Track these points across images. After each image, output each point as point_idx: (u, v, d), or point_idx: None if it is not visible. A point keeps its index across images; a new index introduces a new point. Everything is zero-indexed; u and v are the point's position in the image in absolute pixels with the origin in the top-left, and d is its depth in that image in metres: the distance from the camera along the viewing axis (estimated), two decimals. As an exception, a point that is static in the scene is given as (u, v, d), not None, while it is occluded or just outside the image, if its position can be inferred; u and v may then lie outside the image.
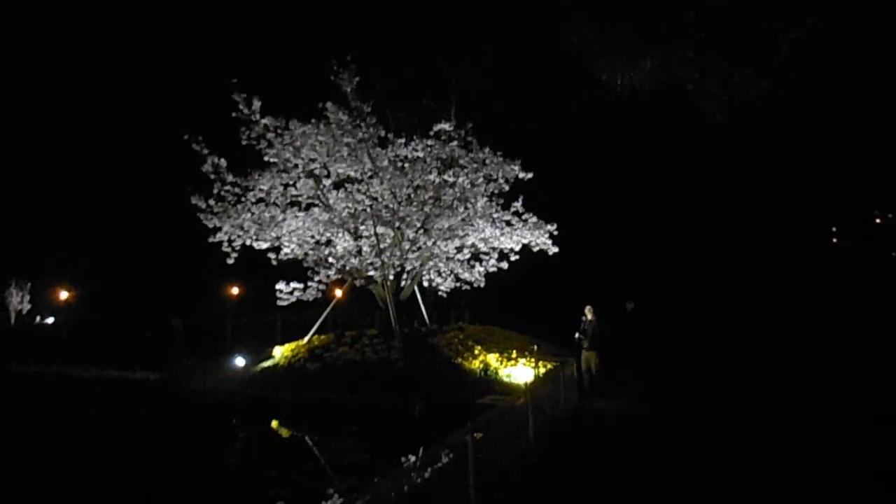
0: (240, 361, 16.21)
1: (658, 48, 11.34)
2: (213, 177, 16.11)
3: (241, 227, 15.19)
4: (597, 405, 12.27)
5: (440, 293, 18.11)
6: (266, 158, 15.74)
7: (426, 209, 15.16)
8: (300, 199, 16.09)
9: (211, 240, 15.66)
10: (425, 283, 17.84)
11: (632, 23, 10.84)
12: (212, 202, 15.97)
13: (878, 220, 34.83)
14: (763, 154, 17.55)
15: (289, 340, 18.28)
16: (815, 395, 11.82)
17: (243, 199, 16.06)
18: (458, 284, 17.79)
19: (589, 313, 12.47)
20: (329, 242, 16.31)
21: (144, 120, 45.03)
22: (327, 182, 15.98)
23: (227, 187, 16.09)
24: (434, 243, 15.29)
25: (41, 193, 45.96)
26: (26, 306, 38.96)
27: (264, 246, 16.02)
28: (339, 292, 28.13)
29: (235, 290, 52.72)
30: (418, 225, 15.27)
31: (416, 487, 5.32)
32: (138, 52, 45.95)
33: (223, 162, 16.14)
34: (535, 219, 16.54)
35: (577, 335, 12.55)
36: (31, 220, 45.57)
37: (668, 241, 20.70)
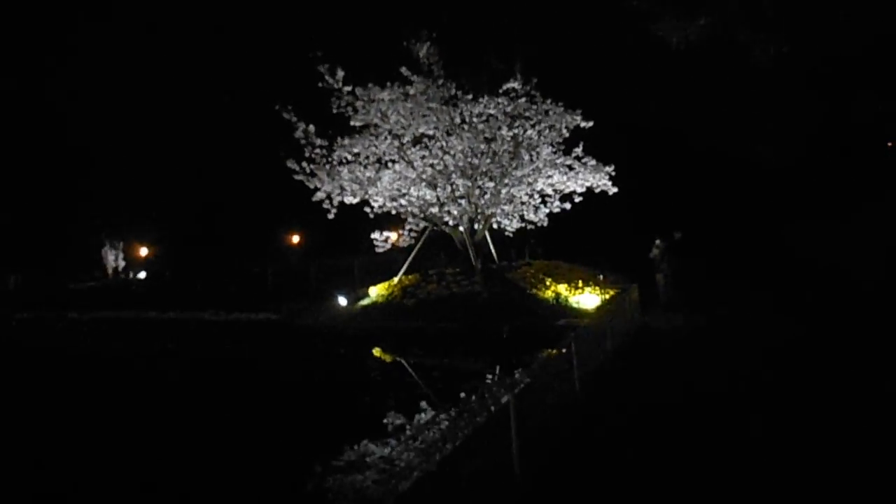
0: (342, 301, 18.91)
1: (709, 6, 12.71)
2: (303, 142, 18.40)
3: (341, 187, 17.46)
4: (655, 324, 14.44)
5: (506, 233, 20.22)
6: (353, 123, 17.81)
7: (500, 160, 17.09)
8: (384, 157, 18.21)
9: (313, 199, 18.06)
10: (494, 225, 19.96)
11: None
12: (304, 164, 18.33)
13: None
14: (814, 73, 17.72)
15: (369, 282, 20.87)
16: (854, 320, 12.09)
17: (331, 160, 18.31)
18: (523, 224, 19.82)
19: (656, 245, 14.61)
20: (410, 195, 18.43)
21: (216, 83, 47.07)
22: (406, 140, 17.98)
23: (318, 150, 18.35)
24: (508, 191, 17.31)
25: (118, 153, 49.00)
26: (121, 263, 42.94)
27: (356, 201, 18.37)
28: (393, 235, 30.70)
29: (296, 238, 56.24)
30: (493, 175, 17.26)
31: (539, 376, 7.54)
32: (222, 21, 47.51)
33: (312, 128, 18.36)
34: (594, 162, 18.22)
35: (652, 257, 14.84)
36: (108, 180, 48.71)
37: (715, 166, 21.68)
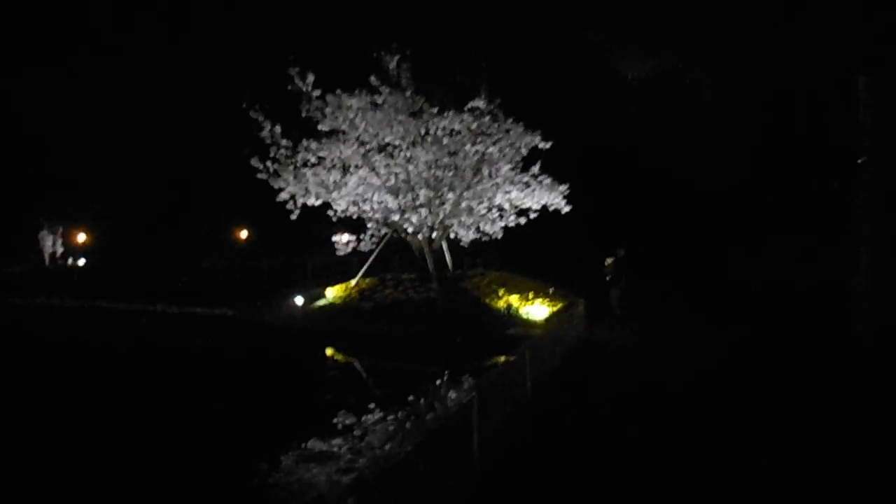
0: (298, 300, 19.19)
1: (662, 51, 13.89)
2: (268, 142, 18.68)
3: (306, 189, 17.81)
4: (601, 336, 15.51)
5: (461, 243, 20.99)
6: (321, 128, 18.19)
7: (462, 174, 17.86)
8: (348, 162, 18.65)
9: (277, 199, 18.33)
10: (451, 235, 20.68)
11: (641, 32, 13.30)
12: (268, 164, 18.59)
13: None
14: (758, 110, 19.01)
15: (322, 282, 21.22)
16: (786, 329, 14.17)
17: (295, 161, 18.62)
18: (478, 236, 20.64)
19: (609, 260, 15.85)
20: (372, 200, 18.93)
21: (179, 73, 45.84)
22: (372, 147, 18.47)
23: (283, 151, 18.65)
24: (467, 203, 18.09)
25: (64, 139, 47.12)
26: (59, 249, 41.34)
27: (318, 203, 18.73)
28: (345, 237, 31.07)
29: (244, 234, 55.46)
30: (454, 187, 18.00)
31: (495, 379, 8.24)
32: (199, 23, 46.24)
33: (278, 129, 18.66)
34: (549, 180, 19.23)
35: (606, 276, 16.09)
36: (53, 164, 46.72)
37: (663, 187, 23.14)
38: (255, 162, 18.74)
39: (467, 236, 20.50)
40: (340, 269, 24.47)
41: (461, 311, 17.27)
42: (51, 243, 40.61)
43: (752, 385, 9.52)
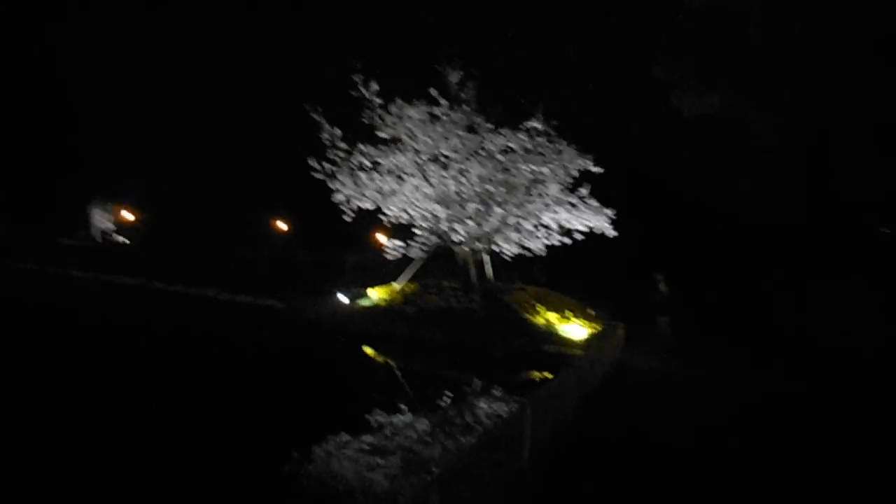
0: (343, 298, 19.91)
1: (723, 86, 14.24)
2: (327, 143, 19.48)
3: (362, 193, 18.55)
4: (639, 364, 15.65)
5: (503, 256, 21.42)
6: (380, 134, 18.89)
7: (515, 193, 18.39)
8: (403, 170, 19.29)
9: (332, 199, 19.12)
10: (494, 248, 21.15)
11: (705, 70, 13.70)
12: (325, 165, 19.40)
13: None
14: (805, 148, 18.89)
15: (360, 280, 21.91)
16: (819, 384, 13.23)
17: (350, 164, 19.35)
18: (520, 251, 21.05)
19: (662, 286, 16.19)
20: (423, 209, 19.53)
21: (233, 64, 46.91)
22: (427, 158, 19.09)
23: (341, 154, 19.41)
24: (515, 220, 18.61)
25: (116, 114, 48.69)
26: (110, 226, 42.94)
27: (372, 207, 19.45)
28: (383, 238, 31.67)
29: (284, 226, 56.65)
30: (505, 203, 18.52)
31: (545, 395, 8.61)
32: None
33: (339, 132, 19.44)
34: (596, 204, 19.55)
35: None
36: (100, 139, 48.19)
37: (708, 221, 23.04)
38: (312, 162, 19.55)
39: (510, 250, 20.94)
40: (378, 269, 25.17)
41: (500, 324, 17.75)
42: (102, 220, 42.17)
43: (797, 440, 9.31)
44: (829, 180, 21.59)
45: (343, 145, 19.39)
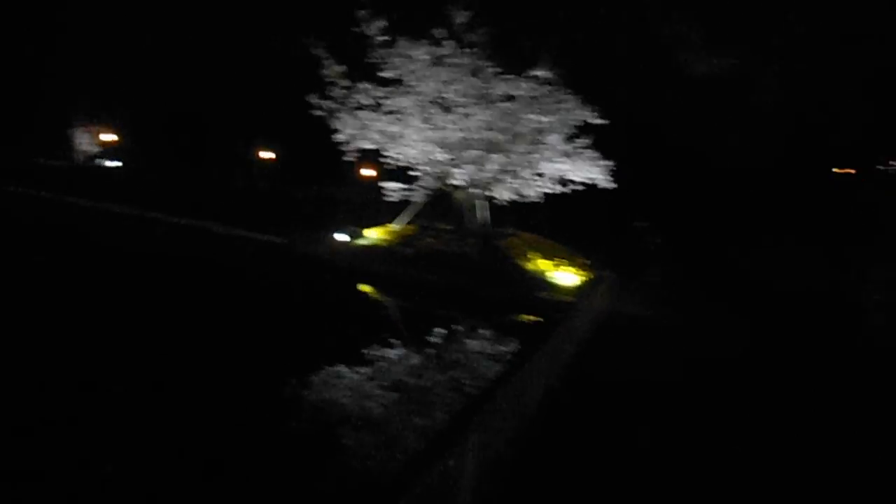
0: (342, 237, 20.27)
1: (728, 49, 14.46)
2: (328, 80, 19.32)
3: (365, 135, 18.60)
4: (629, 311, 16.46)
5: (497, 202, 21.76)
6: (383, 74, 18.73)
7: (519, 140, 18.58)
8: (405, 112, 19.25)
9: (334, 139, 19.15)
10: (490, 194, 21.45)
11: (712, 30, 13.86)
12: (328, 103, 19.30)
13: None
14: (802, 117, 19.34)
15: (356, 218, 22.28)
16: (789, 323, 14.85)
17: (351, 103, 19.27)
18: (516, 197, 21.41)
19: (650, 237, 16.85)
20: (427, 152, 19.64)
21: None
22: (430, 101, 19.04)
23: (342, 91, 19.28)
24: (515, 168, 18.91)
25: (96, 36, 46.67)
26: (93, 148, 42.02)
27: (372, 146, 19.54)
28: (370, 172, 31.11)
29: (270, 156, 55.81)
30: (508, 151, 18.74)
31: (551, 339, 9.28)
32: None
33: (341, 68, 19.25)
34: (595, 155, 19.84)
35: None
36: (82, 62, 46.36)
37: (700, 172, 23.73)
38: (313, 99, 19.42)
39: (507, 197, 21.27)
40: (370, 207, 25.53)
41: (495, 269, 18.35)
42: (84, 142, 41.22)
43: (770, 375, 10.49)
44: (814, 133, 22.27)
45: (345, 82, 19.24)
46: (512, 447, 6.09)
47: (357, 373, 9.49)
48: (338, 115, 19.12)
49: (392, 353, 10.93)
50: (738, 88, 16.53)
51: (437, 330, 13.02)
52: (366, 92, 19.06)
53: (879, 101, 14.96)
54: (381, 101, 19.06)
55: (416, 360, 10.90)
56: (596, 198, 22.12)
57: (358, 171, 43.72)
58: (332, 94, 19.36)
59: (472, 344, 12.91)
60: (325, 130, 19.88)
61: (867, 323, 13.02)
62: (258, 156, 54.23)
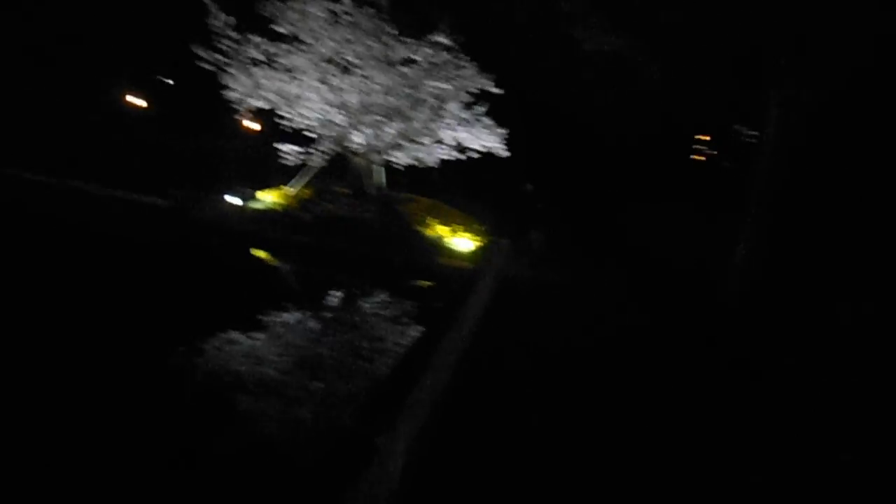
0: (233, 200, 19.35)
1: (624, 31, 15.35)
2: (216, 30, 18.05)
3: (261, 95, 17.69)
4: (522, 274, 17.56)
5: (394, 165, 21.81)
6: (277, 28, 17.78)
7: (413, 104, 18.56)
8: (299, 70, 18.49)
9: (227, 97, 18.05)
10: (389, 158, 21.41)
11: (611, 9, 14.63)
12: (215, 55, 18.08)
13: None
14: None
15: (244, 176, 21.39)
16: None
17: (242, 57, 18.21)
18: (413, 162, 21.55)
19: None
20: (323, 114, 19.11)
21: None
22: (328, 61, 18.42)
23: (232, 44, 18.12)
24: (413, 134, 18.99)
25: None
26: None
27: (266, 106, 18.65)
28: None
29: (141, 103, 51.09)
30: (406, 116, 18.69)
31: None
32: None
33: (231, 19, 18.03)
34: (491, 123, 20.38)
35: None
36: None
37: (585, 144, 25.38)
38: (200, 51, 18.09)
39: (402, 160, 21.36)
40: (260, 164, 24.47)
41: (397, 235, 18.57)
42: None
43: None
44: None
45: (234, 34, 18.05)
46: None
47: (253, 339, 9.38)
48: (229, 70, 17.97)
49: (290, 319, 10.95)
50: (621, 66, 17.68)
51: (333, 295, 13.17)
52: (257, 47, 18.04)
53: (744, 79, 16.64)
54: (275, 59, 18.15)
55: (314, 325, 11.00)
56: (486, 162, 22.81)
57: (241, 124, 41.13)
58: (220, 45, 18.11)
59: (368, 308, 13.23)
60: (205, 78, 18.69)
61: (725, 288, 14.89)
62: (127, 101, 49.50)
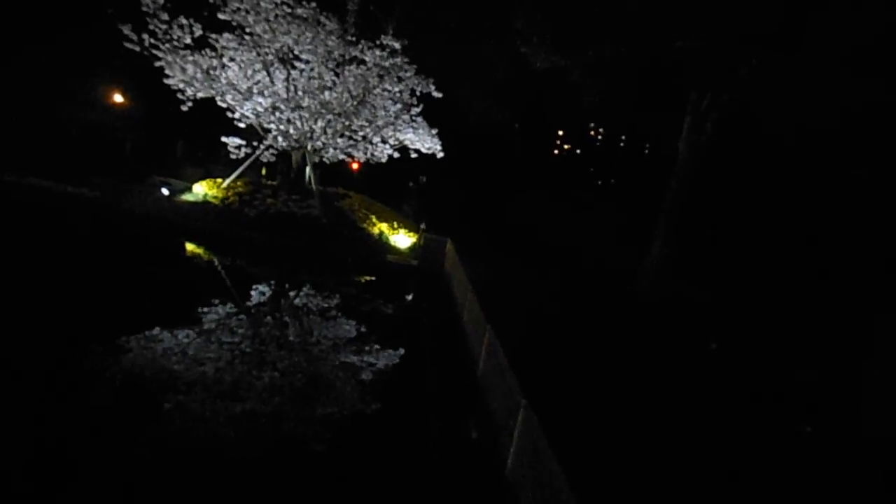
0: (164, 191, 18.34)
1: (566, 53, 16.92)
2: (148, 11, 17.07)
3: (195, 79, 16.97)
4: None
5: (325, 161, 21.82)
6: (222, 17, 17.16)
7: (368, 107, 18.85)
8: (250, 65, 17.99)
9: (168, 83, 17.09)
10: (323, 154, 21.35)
11: (551, 32, 16.08)
12: (145, 37, 17.08)
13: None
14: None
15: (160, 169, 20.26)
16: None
17: (174, 42, 17.37)
18: (344, 158, 21.73)
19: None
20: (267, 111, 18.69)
21: None
22: (272, 56, 18.09)
23: (162, 26, 17.20)
24: (354, 132, 19.34)
25: None
26: None
27: (205, 95, 17.90)
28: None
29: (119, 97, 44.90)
30: (348, 114, 18.89)
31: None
32: None
33: (160, 1, 17.12)
34: (425, 123, 21.13)
35: None
36: None
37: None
38: (128, 31, 17.00)
39: (336, 157, 21.46)
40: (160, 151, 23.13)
41: (343, 232, 18.77)
42: None
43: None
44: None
45: (163, 16, 17.11)
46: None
47: (190, 335, 9.08)
48: (166, 58, 17.08)
49: (223, 312, 10.67)
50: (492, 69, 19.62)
51: (274, 290, 13.19)
52: (182, 27, 17.20)
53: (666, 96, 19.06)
54: (214, 46, 17.53)
55: (248, 317, 10.85)
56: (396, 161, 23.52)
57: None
58: (153, 29, 17.10)
59: (308, 303, 13.30)
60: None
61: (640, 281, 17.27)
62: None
